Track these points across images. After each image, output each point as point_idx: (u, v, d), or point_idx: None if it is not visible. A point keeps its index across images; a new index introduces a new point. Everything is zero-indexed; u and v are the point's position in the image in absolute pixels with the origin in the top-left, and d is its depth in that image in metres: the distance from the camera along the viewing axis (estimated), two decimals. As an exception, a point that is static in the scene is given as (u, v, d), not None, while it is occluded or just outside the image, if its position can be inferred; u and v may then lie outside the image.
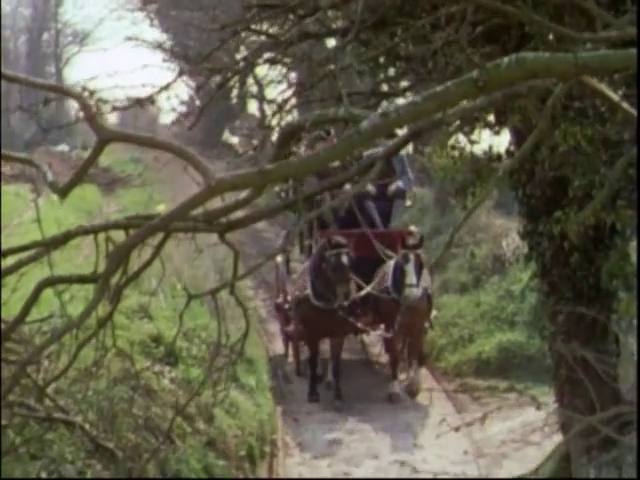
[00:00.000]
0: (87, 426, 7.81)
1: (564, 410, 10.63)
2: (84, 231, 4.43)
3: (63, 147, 34.39)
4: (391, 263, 13.06)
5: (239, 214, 4.54)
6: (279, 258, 15.08)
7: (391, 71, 8.88)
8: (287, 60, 9.01)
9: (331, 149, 4.01)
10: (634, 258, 7.21)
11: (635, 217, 6.50)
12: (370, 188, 13.80)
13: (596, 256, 8.69)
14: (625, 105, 3.87)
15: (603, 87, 3.83)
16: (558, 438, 11.36)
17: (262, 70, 14.63)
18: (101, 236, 4.39)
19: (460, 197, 10.30)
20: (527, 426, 12.62)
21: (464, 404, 13.62)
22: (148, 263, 4.58)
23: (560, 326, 9.47)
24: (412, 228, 14.21)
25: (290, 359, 15.04)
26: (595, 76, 3.82)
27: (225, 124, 35.45)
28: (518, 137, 9.98)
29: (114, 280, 4.39)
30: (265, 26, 9.34)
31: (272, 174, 4.05)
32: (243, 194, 4.17)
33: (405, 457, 11.59)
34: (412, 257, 12.49)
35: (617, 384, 10.09)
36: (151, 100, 5.97)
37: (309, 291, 12.90)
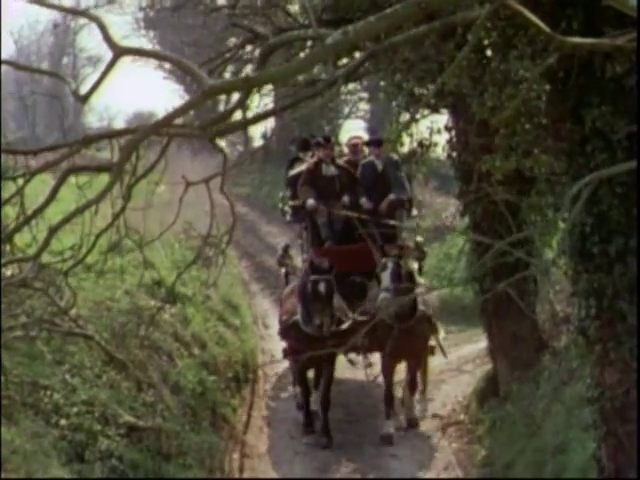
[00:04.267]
0: (102, 342, 7.82)
1: (491, 340, 10.79)
2: (100, 135, 4.47)
3: (80, 150, 34.44)
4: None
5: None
6: (284, 270, 12.41)
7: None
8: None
9: (302, 60, 4.08)
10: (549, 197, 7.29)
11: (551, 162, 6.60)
12: (365, 204, 11.10)
13: (518, 211, 8.78)
14: (541, 24, 3.96)
15: (523, 9, 3.92)
16: (486, 367, 11.51)
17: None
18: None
19: (407, 165, 10.50)
20: (461, 359, 12.78)
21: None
22: (154, 164, 4.61)
23: (488, 270, 9.53)
24: (418, 239, 11.71)
25: None
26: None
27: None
28: (455, 114, 10.15)
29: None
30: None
31: (255, 80, 4.11)
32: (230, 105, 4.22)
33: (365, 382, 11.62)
34: (390, 264, 9.96)
35: (535, 316, 10.26)
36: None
37: (299, 317, 10.11)
